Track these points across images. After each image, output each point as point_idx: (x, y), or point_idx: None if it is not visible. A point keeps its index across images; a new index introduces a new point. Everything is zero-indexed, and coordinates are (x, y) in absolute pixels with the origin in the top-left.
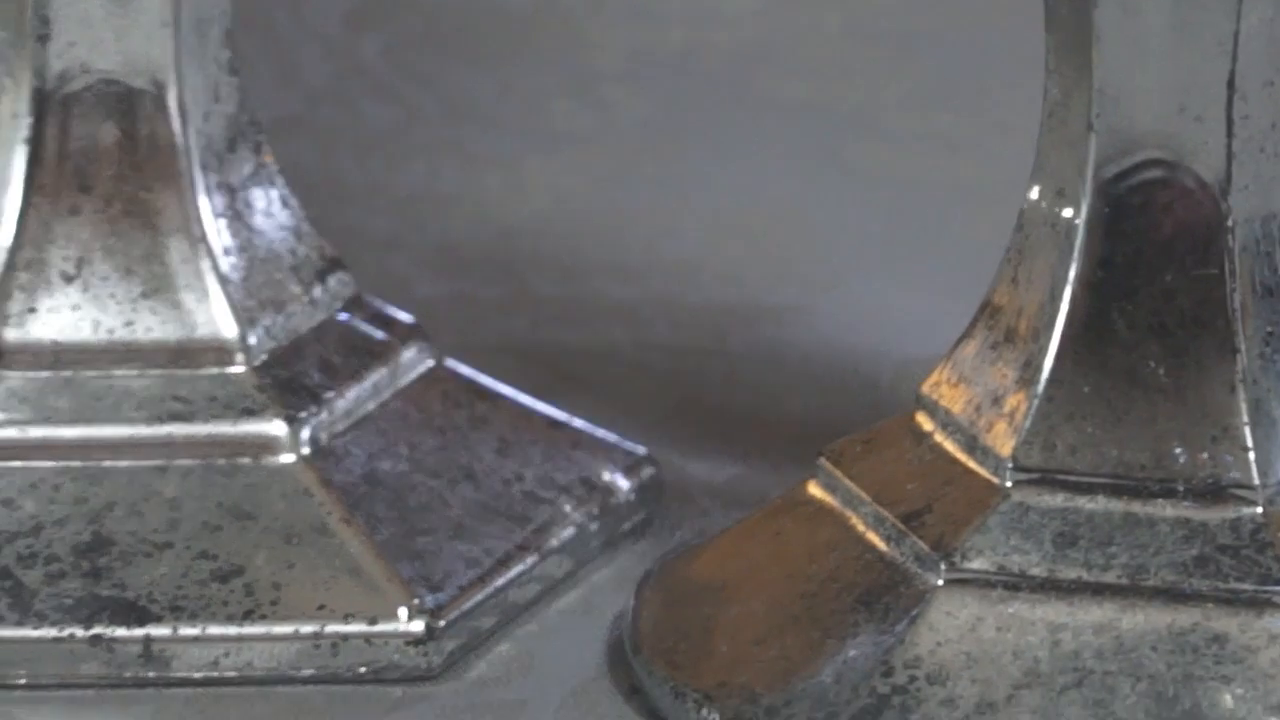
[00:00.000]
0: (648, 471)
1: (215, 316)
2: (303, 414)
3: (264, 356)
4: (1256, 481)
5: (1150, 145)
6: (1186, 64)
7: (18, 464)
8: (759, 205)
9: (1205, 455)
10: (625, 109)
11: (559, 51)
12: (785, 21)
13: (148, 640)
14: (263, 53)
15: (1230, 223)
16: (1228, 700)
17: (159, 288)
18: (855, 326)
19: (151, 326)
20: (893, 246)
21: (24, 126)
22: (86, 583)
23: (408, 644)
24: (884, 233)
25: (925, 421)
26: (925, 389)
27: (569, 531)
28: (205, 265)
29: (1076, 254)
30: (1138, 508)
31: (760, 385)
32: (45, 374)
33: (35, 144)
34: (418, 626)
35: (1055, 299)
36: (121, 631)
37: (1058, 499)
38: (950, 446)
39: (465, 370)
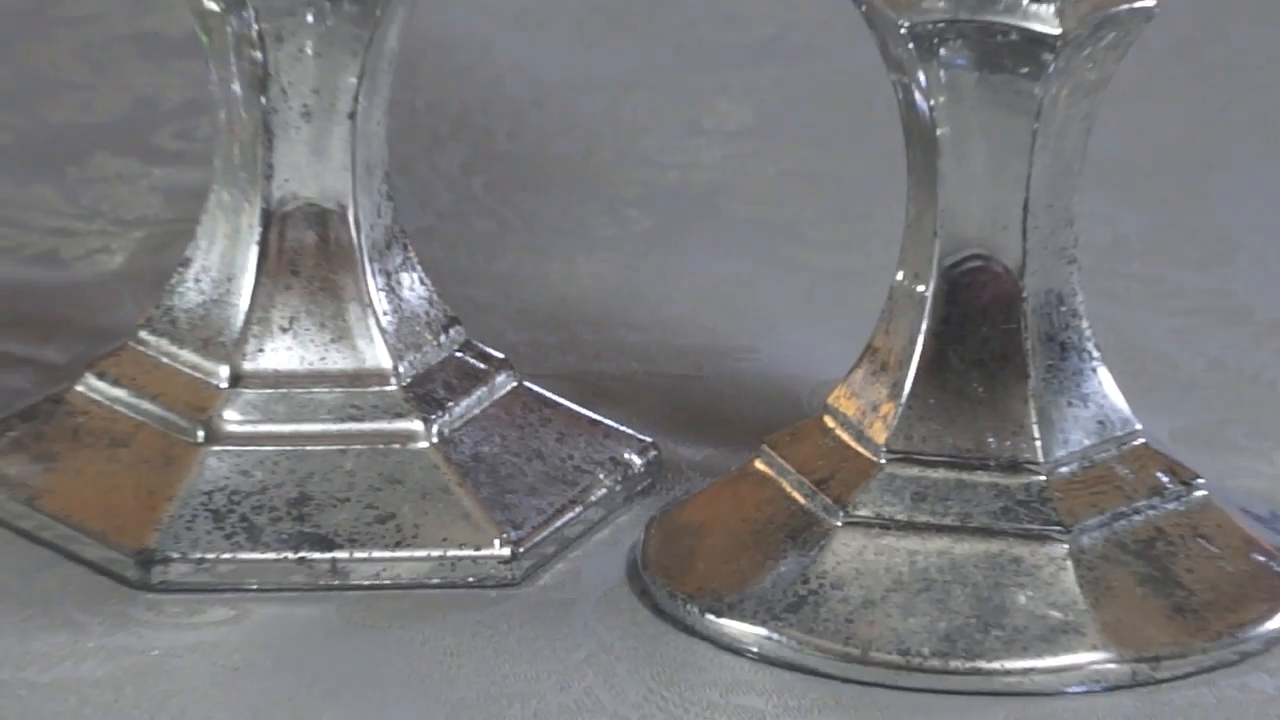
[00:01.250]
0: (653, 453)
1: (378, 355)
2: (432, 416)
3: (408, 380)
4: (1041, 460)
5: (974, 245)
6: (997, 194)
7: (252, 448)
8: (725, 283)
9: (1008, 443)
10: (639, 223)
11: (596, 185)
12: (742, 166)
13: (334, 561)
14: (408, 186)
15: (1025, 295)
16: (1021, 599)
17: (342, 336)
18: (787, 361)
19: (337, 361)
20: (811, 310)
21: (256, 234)
22: (295, 524)
23: (500, 563)
24: (806, 301)
25: (830, 421)
26: (830, 400)
27: (602, 492)
28: (371, 322)
29: (926, 315)
30: (965, 476)
31: (726, 398)
32: (269, 391)
33: (263, 245)
34: (505, 552)
35: (912, 343)
36: (317, 555)
37: (913, 471)
38: (845, 437)
39: (536, 388)
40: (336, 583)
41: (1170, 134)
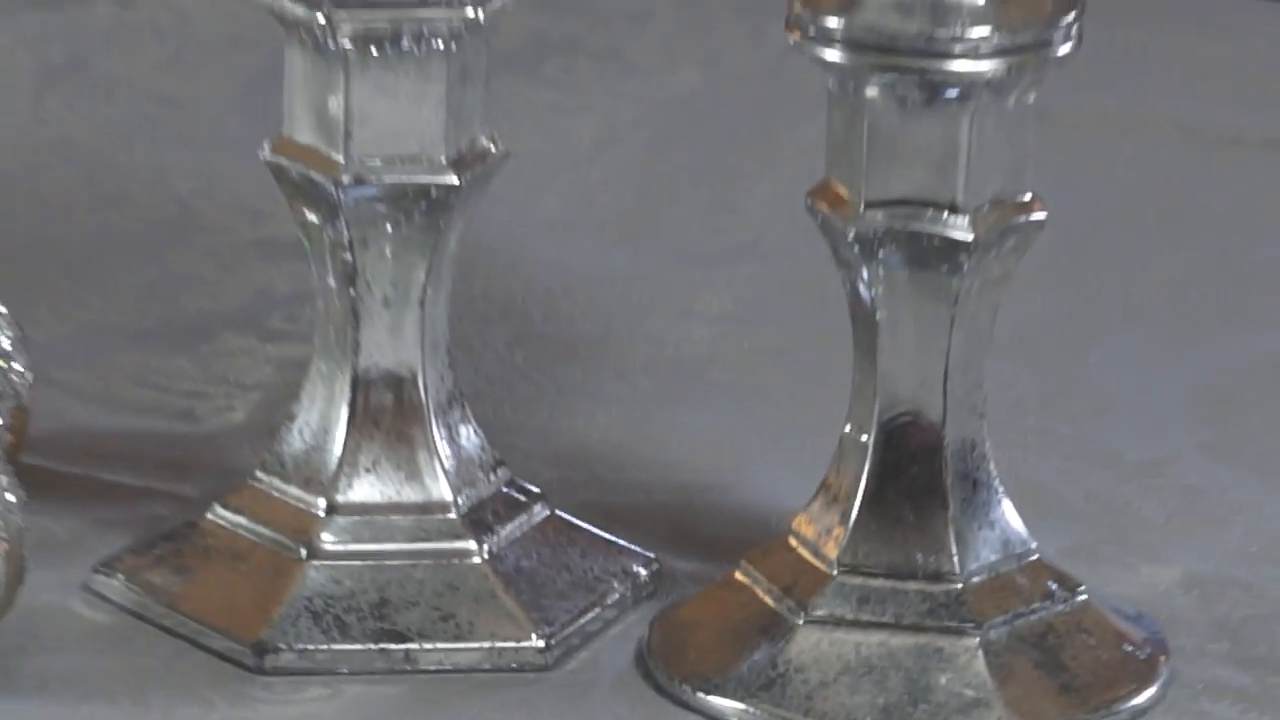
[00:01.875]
0: (655, 566)
1: (441, 490)
2: (484, 538)
3: (465, 509)
4: (958, 572)
5: (905, 404)
6: (923, 364)
7: (343, 563)
8: (712, 433)
9: (932, 559)
10: (644, 387)
11: (611, 357)
12: (723, 343)
13: (407, 651)
14: (465, 357)
15: (945, 443)
16: (943, 680)
17: (413, 475)
18: (760, 494)
19: (409, 495)
20: (779, 455)
21: (346, 396)
22: (376, 622)
23: (536, 652)
24: (775, 448)
25: (794, 541)
26: (794, 525)
27: (616, 596)
28: (436, 464)
29: (868, 459)
30: (899, 585)
31: (712, 523)
32: (356, 518)
33: (352, 404)
34: (540, 644)
35: (857, 481)
36: (394, 646)
37: (859, 580)
38: (805, 554)
39: (565, 516)
40: (409, 668)
41: (1058, 314)
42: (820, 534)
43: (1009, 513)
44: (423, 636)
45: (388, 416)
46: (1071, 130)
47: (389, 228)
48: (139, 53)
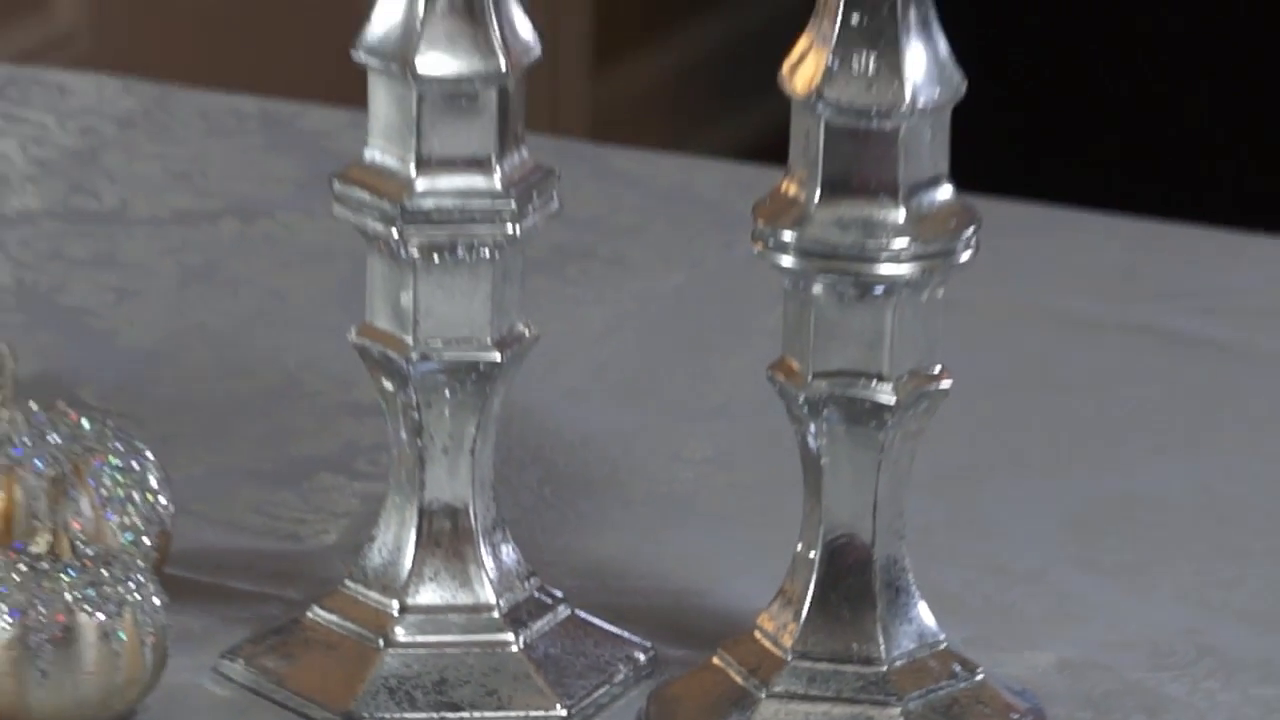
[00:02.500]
0: (652, 653)
1: (487, 595)
2: (520, 633)
3: (505, 610)
4: (884, 658)
5: (843, 528)
6: (857, 499)
7: (412, 651)
8: (697, 550)
9: (864, 648)
10: (644, 514)
11: (619, 491)
12: (706, 482)
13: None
14: (505, 491)
15: (874, 559)
16: None
17: (465, 584)
18: (735, 597)
19: (462, 599)
20: (749, 567)
21: (414, 523)
22: (438, 696)
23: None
24: (746, 561)
25: (758, 634)
26: (759, 621)
27: (620, 677)
28: (483, 575)
29: (814, 571)
30: (839, 667)
31: (696, 621)
32: (422, 616)
33: (419, 530)
34: (563, 713)
35: (807, 588)
36: (451, 715)
37: (808, 664)
38: (767, 644)
39: (582, 614)
40: None
41: (960, 459)
42: (779, 628)
43: (923, 612)
44: (473, 707)
45: (446, 538)
46: (970, 316)
47: (447, 393)
48: (257, 258)
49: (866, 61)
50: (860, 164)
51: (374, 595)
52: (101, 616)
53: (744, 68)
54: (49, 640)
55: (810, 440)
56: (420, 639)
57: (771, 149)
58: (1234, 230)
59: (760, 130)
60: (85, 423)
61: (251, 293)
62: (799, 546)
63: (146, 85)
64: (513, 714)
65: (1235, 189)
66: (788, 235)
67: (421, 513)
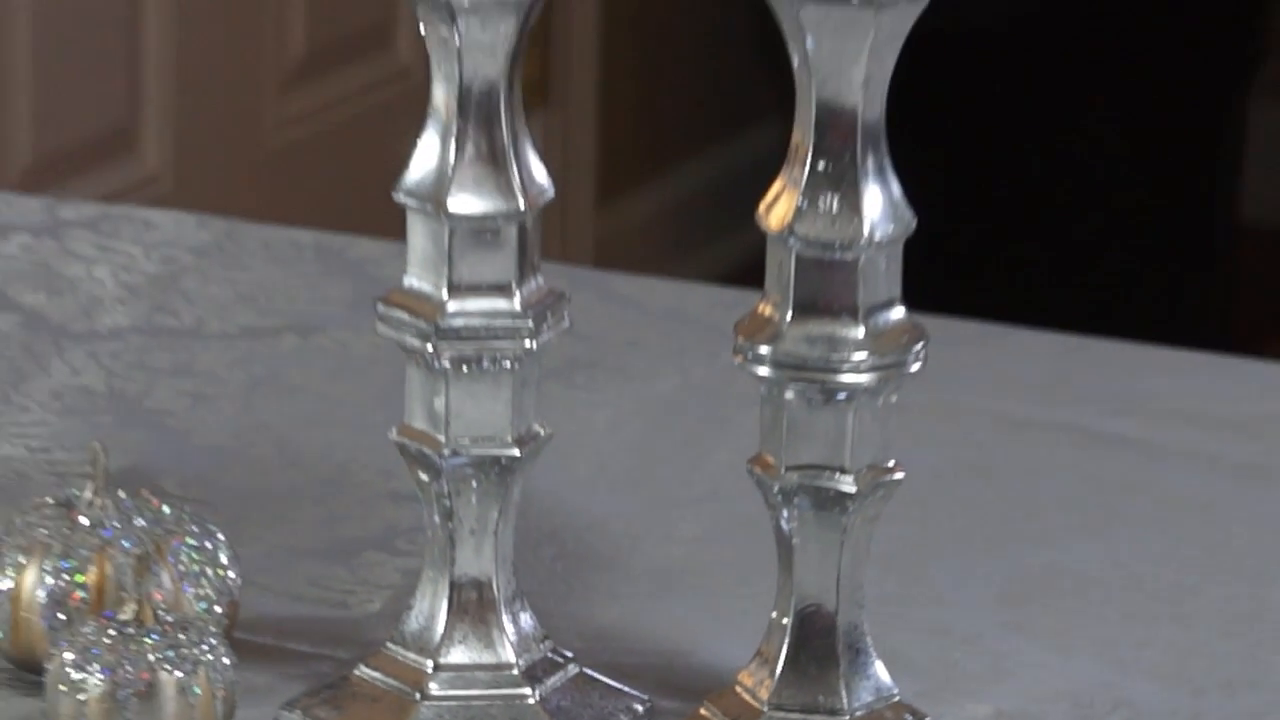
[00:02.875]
0: (649, 705)
1: (508, 655)
2: (536, 688)
3: (523, 668)
4: (846, 709)
5: (811, 599)
6: (823, 573)
7: (445, 704)
8: (687, 619)
9: (830, 700)
10: (644, 588)
11: (621, 568)
12: (695, 560)
13: None
14: (522, 564)
15: (838, 625)
16: None
17: (489, 645)
18: (720, 658)
19: (486, 659)
20: (732, 633)
21: (446, 594)
22: None
23: None
24: (729, 628)
25: (739, 688)
26: (739, 677)
27: None
28: (505, 639)
29: (787, 635)
30: (809, 717)
31: (687, 677)
32: (453, 673)
33: (450, 600)
34: None
35: (780, 649)
36: None
37: (781, 715)
38: (747, 697)
39: (589, 671)
40: None
41: (910, 539)
42: (757, 684)
43: (880, 669)
44: None
45: (473, 607)
46: (919, 417)
47: (474, 483)
48: (313, 368)
49: (831, 202)
50: (826, 289)
51: (412, 655)
52: (179, 674)
53: (727, 204)
54: (134, 694)
55: (783, 523)
56: (451, 693)
57: (751, 270)
58: (1141, 343)
59: (742, 255)
60: (166, 508)
61: (307, 397)
62: (774, 614)
63: (218, 220)
64: None
65: (1139, 305)
66: (764, 349)
67: (452, 585)
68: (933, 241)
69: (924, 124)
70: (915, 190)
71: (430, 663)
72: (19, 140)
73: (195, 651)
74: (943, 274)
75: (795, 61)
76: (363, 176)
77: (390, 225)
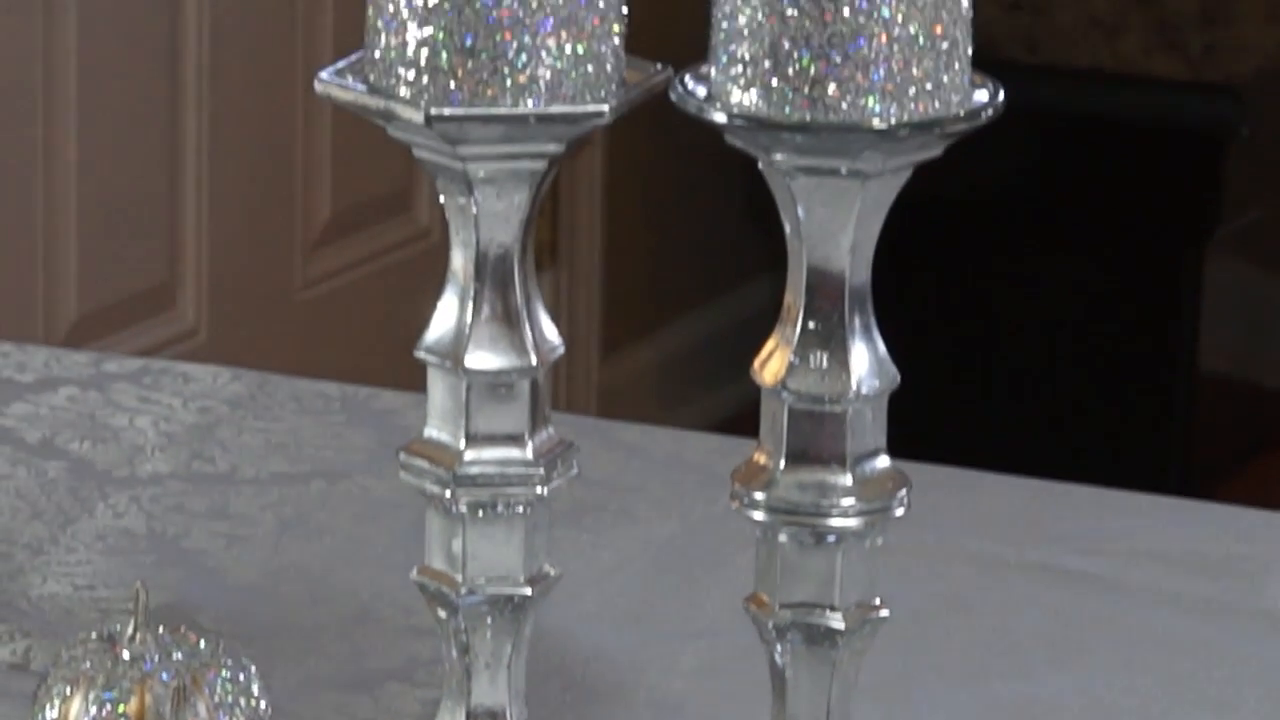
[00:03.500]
0: None
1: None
2: None
3: None
4: None
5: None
6: (814, 703)
7: None
8: None
9: None
10: (644, 715)
11: (625, 694)
12: (698, 682)
13: None
14: (532, 693)
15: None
16: None
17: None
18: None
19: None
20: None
21: (462, 717)
22: None
23: None
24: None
25: None
26: None
27: None
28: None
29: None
30: None
31: None
32: None
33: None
34: None
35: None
36: None
37: None
38: None
39: None
40: None
41: (894, 670)
42: None
43: None
44: None
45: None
46: (902, 558)
47: (489, 620)
48: (339, 512)
49: (821, 359)
50: (816, 439)
51: None
52: None
53: (723, 356)
54: None
55: (777, 657)
56: None
57: (745, 417)
58: (1107, 487)
59: (737, 403)
60: (202, 643)
61: (334, 539)
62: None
63: (251, 374)
64: None
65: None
66: (759, 495)
67: (469, 715)
68: (915, 394)
69: (901, 282)
70: (897, 347)
71: None
72: (67, 298)
73: None
74: (925, 423)
75: (788, 228)
76: (385, 331)
77: (411, 377)
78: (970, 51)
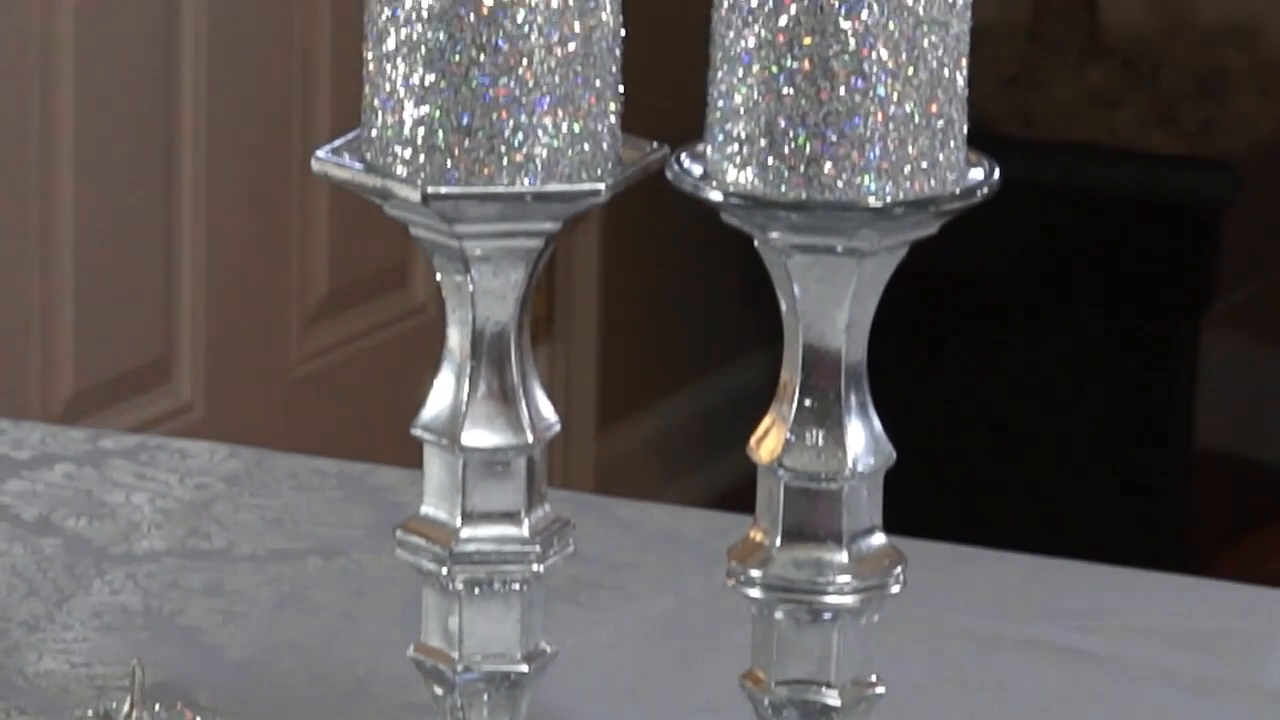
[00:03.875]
0: None
1: None
2: None
3: None
4: None
5: None
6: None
7: None
8: None
9: None
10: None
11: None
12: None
13: None
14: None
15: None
16: None
17: None
18: None
19: None
20: None
21: None
22: None
23: None
24: None
25: None
26: None
27: None
28: None
29: None
30: None
31: None
32: None
33: None
34: None
35: None
36: None
37: None
38: None
39: None
40: None
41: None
42: None
43: None
44: None
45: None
46: (898, 634)
47: (485, 697)
48: (335, 589)
49: (817, 437)
50: (812, 517)
51: None
52: None
53: (718, 431)
54: None
55: None
56: None
57: (741, 491)
58: (1103, 563)
59: (733, 477)
60: None
61: (330, 616)
62: None
63: (248, 450)
64: None
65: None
66: (755, 572)
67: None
68: (911, 470)
69: (897, 359)
70: (893, 424)
71: None
72: (63, 373)
73: None
74: (920, 499)
75: (784, 306)
76: (382, 406)
77: (408, 453)
78: (965, 129)
